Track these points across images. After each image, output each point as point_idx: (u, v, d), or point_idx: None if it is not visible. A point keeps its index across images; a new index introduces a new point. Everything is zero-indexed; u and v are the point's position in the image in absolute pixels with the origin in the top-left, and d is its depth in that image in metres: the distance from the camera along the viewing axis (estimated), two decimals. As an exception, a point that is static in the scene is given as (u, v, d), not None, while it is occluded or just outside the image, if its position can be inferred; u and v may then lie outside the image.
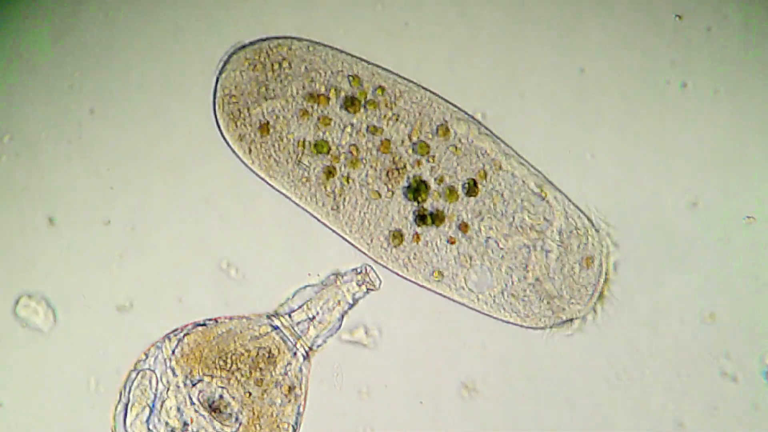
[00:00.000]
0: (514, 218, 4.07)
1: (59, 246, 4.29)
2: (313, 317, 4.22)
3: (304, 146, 4.06)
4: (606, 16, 4.14)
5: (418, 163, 4.06)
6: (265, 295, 4.25)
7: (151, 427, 4.11)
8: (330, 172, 4.11)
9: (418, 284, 4.16)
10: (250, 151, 4.16)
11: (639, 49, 4.13)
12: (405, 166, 4.04)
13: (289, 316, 4.23)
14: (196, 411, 4.10)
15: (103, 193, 4.29)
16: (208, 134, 4.28)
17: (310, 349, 4.22)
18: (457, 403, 4.21)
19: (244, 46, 4.18)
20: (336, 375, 4.26)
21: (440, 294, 4.15)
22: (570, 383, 4.15)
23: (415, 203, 4.06)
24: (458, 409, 4.21)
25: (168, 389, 4.12)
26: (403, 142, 4.07)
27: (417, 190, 4.08)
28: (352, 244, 4.18)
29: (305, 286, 4.25)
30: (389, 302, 4.25)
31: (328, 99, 4.10)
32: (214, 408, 4.11)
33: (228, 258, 4.27)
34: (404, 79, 4.13)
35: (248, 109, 4.10)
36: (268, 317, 4.24)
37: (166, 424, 4.11)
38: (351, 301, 4.23)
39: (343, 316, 4.24)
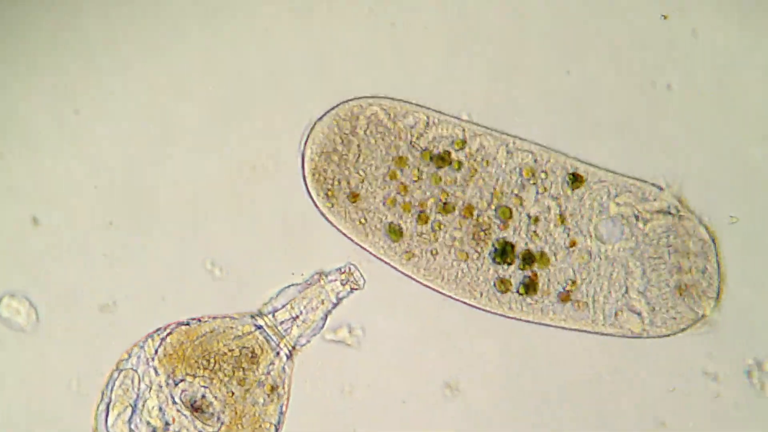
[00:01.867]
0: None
1: (43, 245, 4.27)
2: (297, 316, 4.22)
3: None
4: (591, 16, 4.15)
5: (504, 226, 4.09)
6: (248, 295, 4.25)
7: (132, 426, 4.09)
8: (421, 217, 4.15)
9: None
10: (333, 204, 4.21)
11: (625, 50, 4.14)
12: (489, 227, 4.08)
13: (273, 315, 4.22)
14: (178, 410, 4.09)
15: (87, 193, 4.28)
16: (195, 132, 4.28)
17: (294, 348, 4.22)
18: (440, 402, 4.21)
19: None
20: (318, 375, 4.25)
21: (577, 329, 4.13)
22: (553, 382, 4.15)
23: (506, 265, 4.09)
24: (441, 408, 4.21)
25: (150, 389, 4.11)
26: (485, 206, 4.11)
27: (503, 252, 4.09)
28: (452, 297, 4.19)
29: (289, 286, 4.25)
30: (373, 301, 4.25)
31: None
32: (196, 407, 4.10)
33: (212, 257, 4.27)
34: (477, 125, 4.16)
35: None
36: (252, 317, 4.23)
37: (148, 423, 4.09)
38: (335, 301, 4.23)
39: (326, 316, 4.24)
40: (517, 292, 4.09)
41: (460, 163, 4.11)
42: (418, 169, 4.13)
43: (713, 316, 4.02)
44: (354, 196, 4.17)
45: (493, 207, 4.10)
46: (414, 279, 4.18)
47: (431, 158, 4.12)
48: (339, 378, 4.25)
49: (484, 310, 4.15)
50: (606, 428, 4.11)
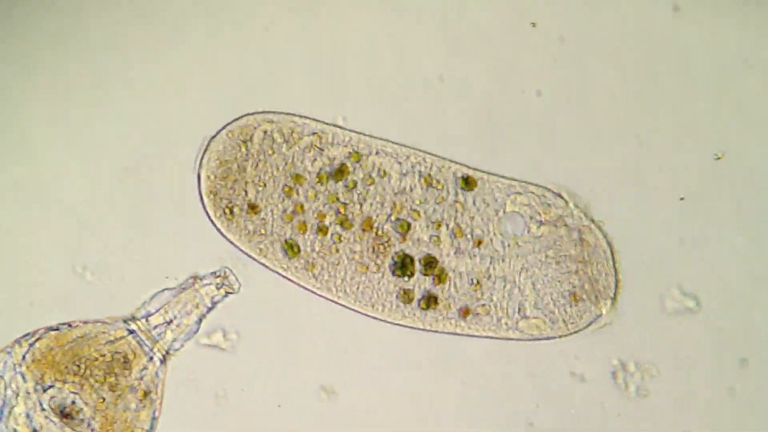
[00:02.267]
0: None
1: None
2: (171, 321, 4.18)
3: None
4: (459, 21, 4.20)
5: (403, 239, 4.10)
6: (121, 299, 4.19)
7: (-3, 434, 4.02)
8: (321, 228, 4.14)
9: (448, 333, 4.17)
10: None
11: (495, 56, 4.21)
12: (389, 240, 4.08)
13: (146, 319, 4.17)
14: (46, 417, 4.01)
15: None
16: (65, 137, 4.21)
17: (167, 353, 4.18)
18: (315, 405, 4.22)
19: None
20: (191, 379, 4.23)
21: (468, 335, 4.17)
22: (424, 384, 4.20)
23: (406, 278, 4.10)
24: (317, 412, 4.22)
25: (17, 395, 4.02)
26: (384, 219, 4.11)
27: (403, 265, 4.10)
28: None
29: (163, 290, 4.20)
30: (248, 305, 4.23)
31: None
32: (65, 414, 4.03)
33: (83, 261, 4.20)
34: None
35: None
36: (125, 321, 4.18)
37: (15, 430, 4.01)
38: (209, 305, 4.20)
39: (201, 320, 4.21)
40: (419, 306, 4.14)
41: (355, 182, 4.14)
42: (314, 189, 4.14)
43: (609, 316, 4.12)
44: (252, 208, 4.16)
45: (393, 218, 4.13)
46: (317, 294, 4.18)
47: (328, 177, 4.13)
48: (213, 382, 4.23)
49: (388, 321, 4.18)
50: (477, 429, 4.17)
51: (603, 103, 4.18)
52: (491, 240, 4.12)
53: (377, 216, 4.14)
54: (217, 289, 4.20)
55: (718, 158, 4.10)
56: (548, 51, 4.19)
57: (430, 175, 4.14)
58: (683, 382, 4.12)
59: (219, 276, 4.20)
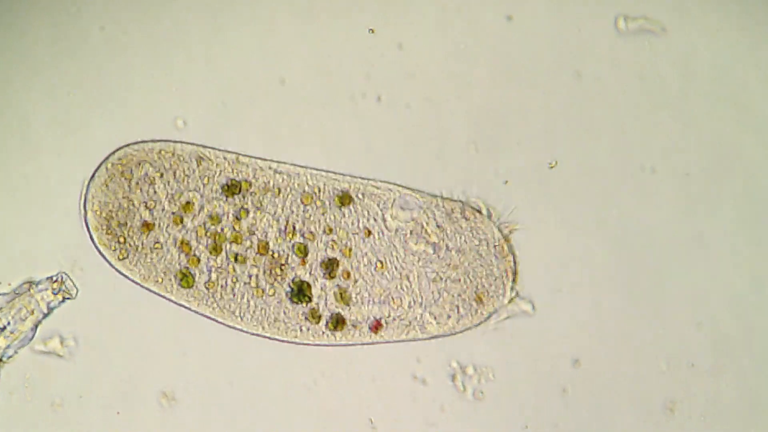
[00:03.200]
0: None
1: None
2: (4, 327, 4.08)
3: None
4: (300, 26, 4.23)
5: (303, 262, 4.07)
6: (-48, 305, 4.08)
7: None
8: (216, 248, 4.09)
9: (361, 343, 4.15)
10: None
11: (336, 61, 4.24)
12: (286, 262, 4.04)
13: (-22, 326, 4.07)
14: None
15: None
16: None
17: (0, 360, 4.07)
18: (155, 412, 4.17)
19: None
20: (26, 386, 4.13)
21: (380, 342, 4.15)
22: (265, 389, 4.20)
23: (304, 304, 4.08)
24: (157, 418, 4.17)
25: None
26: (280, 242, 4.08)
27: (300, 291, 4.06)
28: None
29: (-5, 295, 4.11)
30: (86, 310, 4.16)
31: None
32: None
33: None
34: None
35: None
36: (-45, 328, 4.07)
37: None
38: (45, 311, 4.11)
39: (36, 326, 4.11)
40: (327, 326, 4.13)
41: (246, 211, 4.10)
42: (204, 226, 4.10)
43: (510, 308, 4.18)
44: (146, 226, 4.08)
45: (289, 239, 4.10)
46: (220, 322, 4.13)
47: (219, 217, 4.11)
48: (49, 390, 4.14)
49: (296, 343, 4.15)
50: (313, 431, 4.21)
51: (438, 110, 4.24)
52: (380, 232, 4.14)
53: (274, 239, 4.11)
54: (54, 294, 4.11)
55: (552, 167, 4.21)
56: (387, 58, 4.24)
57: (307, 192, 4.14)
58: (518, 383, 4.21)
59: (56, 281, 4.12)
